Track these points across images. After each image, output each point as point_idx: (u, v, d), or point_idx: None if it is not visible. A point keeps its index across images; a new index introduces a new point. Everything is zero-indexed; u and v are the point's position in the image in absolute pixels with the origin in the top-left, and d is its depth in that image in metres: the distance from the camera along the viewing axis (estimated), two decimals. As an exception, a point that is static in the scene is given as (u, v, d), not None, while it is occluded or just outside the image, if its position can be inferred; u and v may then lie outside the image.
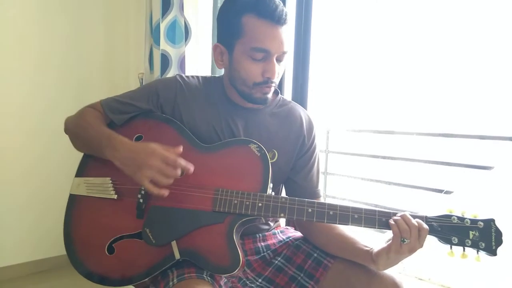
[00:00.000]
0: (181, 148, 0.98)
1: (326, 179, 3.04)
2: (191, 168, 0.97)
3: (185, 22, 1.86)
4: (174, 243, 1.01)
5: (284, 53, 1.07)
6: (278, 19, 1.02)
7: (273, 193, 1.04)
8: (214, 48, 1.13)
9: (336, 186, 3.13)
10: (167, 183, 0.96)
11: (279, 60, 1.07)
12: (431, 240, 0.90)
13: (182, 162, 0.95)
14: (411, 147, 2.76)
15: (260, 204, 0.99)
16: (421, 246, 0.89)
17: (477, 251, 0.88)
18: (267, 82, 1.06)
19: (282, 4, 1.05)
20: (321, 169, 1.30)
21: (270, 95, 1.11)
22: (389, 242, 0.92)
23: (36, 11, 2.04)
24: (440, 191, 2.37)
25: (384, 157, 2.77)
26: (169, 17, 1.86)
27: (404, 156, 2.72)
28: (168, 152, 0.96)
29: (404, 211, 0.94)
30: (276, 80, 1.09)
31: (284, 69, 1.13)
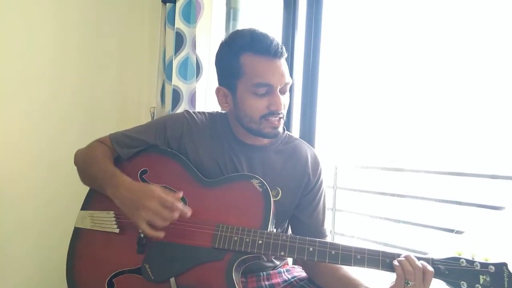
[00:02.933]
0: (181, 194, 0.98)
1: (334, 215, 3.00)
2: (188, 212, 0.97)
3: (197, 59, 1.91)
4: (172, 280, 0.99)
5: (286, 84, 1.09)
6: (274, 53, 1.05)
7: (274, 230, 1.03)
8: (217, 92, 1.15)
9: (345, 223, 3.08)
10: (163, 225, 0.95)
11: (282, 91, 1.09)
12: (439, 284, 0.86)
13: (180, 205, 0.95)
14: (420, 185, 2.72)
15: (260, 242, 0.97)
16: None
17: None
18: (274, 113, 1.08)
19: (275, 38, 1.08)
20: (329, 206, 1.28)
21: (280, 129, 1.12)
22: (392, 284, 0.89)
23: (50, 43, 2.11)
24: (451, 230, 2.32)
25: (393, 195, 2.74)
26: (182, 54, 1.92)
27: (413, 194, 2.68)
28: (166, 194, 0.96)
29: (409, 252, 0.92)
30: (284, 111, 1.11)
31: (288, 100, 1.14)
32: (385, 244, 2.69)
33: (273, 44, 1.06)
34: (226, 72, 1.12)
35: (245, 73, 1.07)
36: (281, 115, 1.10)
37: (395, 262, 0.88)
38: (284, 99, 1.10)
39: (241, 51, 1.07)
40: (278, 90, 1.07)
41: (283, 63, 1.08)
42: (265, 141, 1.18)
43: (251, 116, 1.09)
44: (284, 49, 1.09)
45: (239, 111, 1.11)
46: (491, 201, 2.21)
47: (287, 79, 1.08)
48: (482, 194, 2.34)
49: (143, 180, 1.13)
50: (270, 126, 1.09)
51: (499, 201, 2.16)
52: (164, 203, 0.95)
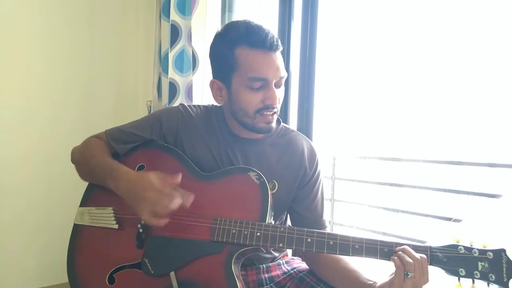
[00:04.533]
0: (179, 177, 0.96)
1: (333, 206, 3.01)
2: (189, 198, 0.96)
3: (193, 52, 1.90)
4: (172, 274, 1.00)
5: (281, 78, 1.07)
6: (270, 46, 1.04)
7: (272, 222, 1.03)
8: (211, 85, 1.14)
9: (343, 213, 3.09)
10: (166, 212, 0.93)
11: (277, 85, 1.08)
12: (437, 272, 0.86)
13: (178, 193, 0.94)
14: (418, 175, 2.73)
15: (258, 234, 0.97)
16: (427, 280, 0.85)
17: (488, 284, 0.83)
18: (269, 107, 1.07)
19: (271, 31, 1.07)
20: (328, 196, 1.27)
21: (274, 124, 1.11)
22: (392, 276, 0.89)
23: (44, 37, 2.09)
24: (449, 219, 2.34)
25: (391, 184, 2.75)
26: (178, 47, 1.91)
27: (411, 184, 2.69)
28: (164, 184, 0.94)
29: (406, 244, 0.91)
30: (278, 105, 1.10)
31: (283, 94, 1.13)
32: (384, 234, 2.71)
33: (269, 37, 1.04)
34: (220, 65, 1.11)
35: (240, 67, 1.05)
36: (275, 110, 1.09)
37: (393, 255, 0.88)
38: (279, 93, 1.09)
39: (235, 43, 1.06)
40: (273, 84, 1.06)
41: (278, 56, 1.07)
42: (260, 134, 1.17)
43: (245, 110, 1.08)
44: (279, 42, 1.07)
45: (234, 105, 1.10)
46: (489, 189, 2.22)
47: (282, 72, 1.07)
48: (480, 183, 2.35)
49: None
50: (264, 121, 1.09)
51: (497, 189, 2.17)
52: (162, 193, 0.93)
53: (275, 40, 1.05)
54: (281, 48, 1.08)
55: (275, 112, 1.10)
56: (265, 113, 1.08)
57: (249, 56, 1.04)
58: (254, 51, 1.04)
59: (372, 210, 2.85)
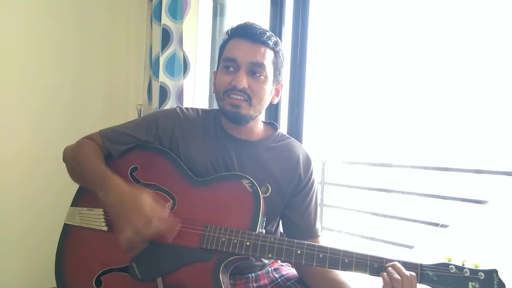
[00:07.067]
0: (168, 210, 0.98)
1: (322, 211, 3.02)
2: (173, 233, 0.98)
3: (184, 56, 1.90)
4: (159, 280, 0.98)
5: (254, 64, 1.08)
6: (248, 35, 1.10)
7: (263, 231, 1.02)
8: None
9: (332, 218, 3.11)
10: (142, 241, 0.96)
11: (251, 72, 1.09)
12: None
13: (165, 224, 0.96)
14: (407, 180, 2.76)
15: (248, 243, 0.96)
16: None
17: None
18: (234, 89, 1.07)
19: (260, 27, 1.12)
20: (317, 201, 1.25)
21: (242, 111, 1.08)
22: None
23: (35, 40, 2.08)
24: (436, 224, 2.36)
25: (379, 190, 2.77)
26: (169, 51, 1.91)
27: (399, 189, 2.72)
28: (153, 212, 0.94)
29: (397, 260, 0.90)
30: (250, 93, 1.08)
31: (260, 87, 1.10)
32: (372, 239, 2.73)
33: (251, 26, 1.10)
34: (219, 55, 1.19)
35: (224, 51, 1.14)
36: (244, 96, 1.07)
37: (382, 272, 0.87)
38: (251, 81, 1.08)
39: (231, 36, 1.13)
40: (244, 68, 1.08)
41: (260, 47, 1.09)
42: (256, 136, 1.17)
43: (218, 91, 1.12)
44: (266, 37, 1.10)
45: (215, 89, 1.15)
46: (476, 195, 2.25)
47: (258, 59, 1.08)
48: (467, 189, 2.39)
49: (133, 178, 1.12)
50: (229, 103, 1.08)
51: (483, 195, 2.20)
52: (150, 221, 0.93)
53: (259, 32, 1.10)
54: (268, 45, 1.11)
55: (244, 99, 1.08)
56: (231, 95, 1.08)
57: (232, 42, 1.12)
58: (237, 39, 1.11)
59: (360, 215, 2.87)
